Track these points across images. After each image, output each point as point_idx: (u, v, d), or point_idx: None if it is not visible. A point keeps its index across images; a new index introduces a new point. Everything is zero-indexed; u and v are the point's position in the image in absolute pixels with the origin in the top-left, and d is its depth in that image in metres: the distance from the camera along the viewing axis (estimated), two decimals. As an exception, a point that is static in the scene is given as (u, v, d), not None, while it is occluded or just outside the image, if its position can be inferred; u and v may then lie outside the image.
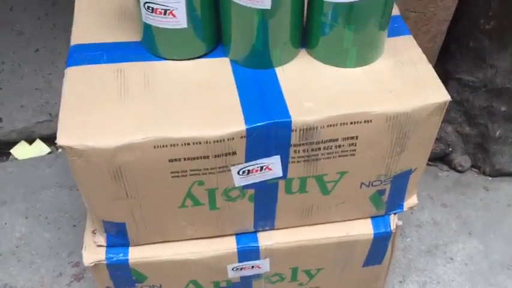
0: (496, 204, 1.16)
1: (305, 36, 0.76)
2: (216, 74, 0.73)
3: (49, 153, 1.29)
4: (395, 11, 0.81)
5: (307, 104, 0.69)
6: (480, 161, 1.19)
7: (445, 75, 1.13)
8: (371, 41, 0.72)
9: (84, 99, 0.69)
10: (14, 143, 1.29)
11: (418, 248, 1.09)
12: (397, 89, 0.71)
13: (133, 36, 0.78)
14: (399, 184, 0.79)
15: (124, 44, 0.77)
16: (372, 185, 0.78)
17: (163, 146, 0.65)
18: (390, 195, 0.81)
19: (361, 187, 0.78)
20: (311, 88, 0.71)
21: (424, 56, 0.76)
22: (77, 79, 0.71)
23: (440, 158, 1.20)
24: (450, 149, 1.19)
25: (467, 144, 1.18)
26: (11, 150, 1.28)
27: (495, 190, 1.18)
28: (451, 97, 1.14)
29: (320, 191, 0.77)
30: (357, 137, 0.70)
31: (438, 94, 0.70)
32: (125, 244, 0.79)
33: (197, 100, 0.69)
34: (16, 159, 1.27)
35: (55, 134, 0.66)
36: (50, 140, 1.30)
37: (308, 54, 0.76)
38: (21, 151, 1.28)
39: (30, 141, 1.30)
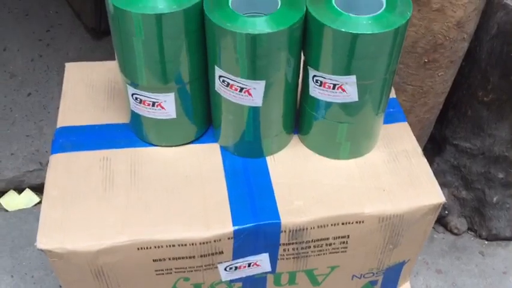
0: (492, 271, 1.13)
1: (298, 122, 0.74)
2: (205, 162, 0.71)
3: (38, 203, 1.26)
4: (391, 93, 0.79)
5: (297, 202, 0.67)
6: (476, 224, 1.16)
7: (442, 140, 1.11)
8: (366, 134, 0.70)
9: (66, 193, 0.66)
10: (2, 192, 1.26)
11: (412, 319, 1.06)
12: (391, 187, 0.68)
13: (122, 117, 0.76)
14: (392, 274, 0.77)
15: (112, 126, 0.75)
16: (364, 277, 0.76)
17: (147, 248, 0.63)
18: (382, 285, 0.78)
19: (352, 279, 0.75)
20: (302, 183, 0.69)
21: (419, 148, 0.74)
22: (61, 169, 0.69)
23: (436, 220, 1.18)
24: (446, 212, 1.17)
25: (464, 208, 1.16)
26: (0, 200, 1.26)
27: (491, 256, 1.16)
28: (448, 162, 1.14)
29: (310, 282, 0.74)
30: (348, 236, 0.68)
31: (433, 195, 0.68)
32: (109, 331, 0.76)
33: (184, 194, 0.67)
34: (4, 209, 1.24)
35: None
36: (39, 189, 1.27)
37: (300, 141, 0.74)
38: (11, 201, 1.25)
39: (20, 191, 1.27)
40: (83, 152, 0.71)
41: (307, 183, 0.69)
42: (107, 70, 0.83)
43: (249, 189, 0.68)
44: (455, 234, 1.18)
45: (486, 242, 1.18)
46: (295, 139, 0.75)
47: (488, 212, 1.13)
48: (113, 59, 0.75)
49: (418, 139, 0.78)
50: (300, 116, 0.73)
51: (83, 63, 0.85)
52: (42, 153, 1.29)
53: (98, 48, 1.48)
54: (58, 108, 1.39)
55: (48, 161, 0.70)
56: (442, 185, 1.13)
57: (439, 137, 1.11)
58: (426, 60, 0.89)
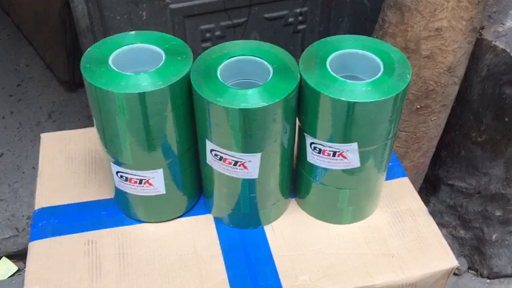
0: (497, 311, 1.10)
1: (294, 185, 0.70)
2: (199, 238, 0.66)
3: (17, 271, 1.19)
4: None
5: (302, 277, 0.62)
6: (477, 263, 1.13)
7: (436, 180, 1.09)
8: (369, 198, 0.66)
9: (50, 288, 0.60)
10: (-23, 263, 1.18)
11: None
12: (400, 252, 0.64)
13: (105, 192, 0.70)
14: None
15: (95, 203, 0.69)
16: None
17: None
18: None
19: None
20: (305, 254, 0.64)
21: (423, 206, 0.70)
22: (42, 258, 0.62)
23: (435, 260, 1.14)
24: (445, 252, 1.13)
25: (463, 247, 1.13)
26: (-25, 272, 1.17)
27: (494, 294, 1.13)
28: (444, 202, 1.11)
29: None
30: (358, 309, 0.63)
31: (444, 259, 0.64)
32: None
33: (180, 278, 0.61)
34: (-20, 282, 1.16)
35: (23, 250, 0.58)
36: (17, 256, 1.20)
37: (298, 205, 0.70)
38: (-14, 272, 1.17)
39: (-4, 260, 1.20)
40: (66, 236, 0.65)
41: (310, 254, 0.64)
42: (86, 138, 0.78)
43: (250, 266, 0.63)
44: (456, 274, 1.15)
45: (488, 281, 1.15)
46: (292, 203, 0.71)
47: (488, 250, 1.10)
48: (88, 111, 0.69)
49: (414, 183, 0.75)
50: (296, 180, 0.69)
51: (59, 133, 0.79)
52: (18, 218, 1.22)
53: (72, 101, 1.43)
54: (33, 167, 1.32)
55: (25, 226, 0.63)
56: (440, 225, 1.10)
57: (432, 177, 1.08)
58: (418, 107, 0.86)
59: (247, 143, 0.56)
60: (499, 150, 0.96)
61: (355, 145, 0.57)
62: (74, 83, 1.42)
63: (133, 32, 0.62)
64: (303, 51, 1.06)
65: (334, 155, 0.59)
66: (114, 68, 0.56)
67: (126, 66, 0.59)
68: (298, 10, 0.98)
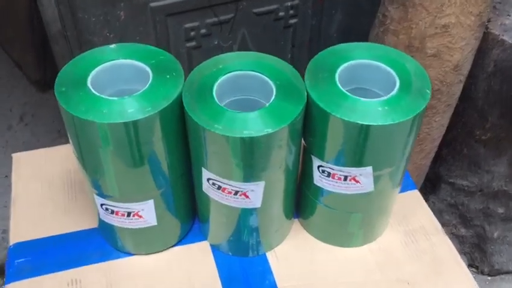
0: (500, 309, 1.07)
1: (298, 206, 0.63)
2: (195, 270, 0.60)
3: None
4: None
5: (312, 311, 0.57)
6: (477, 260, 1.10)
7: (437, 179, 1.04)
8: (381, 219, 0.61)
9: None
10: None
11: None
12: (415, 277, 0.59)
13: (88, 220, 0.63)
14: None
15: (78, 235, 0.62)
16: None
17: None
18: None
19: None
20: (313, 284, 0.59)
21: (437, 222, 0.65)
22: (21, 305, 0.56)
23: (434, 259, 1.11)
24: (445, 250, 1.10)
25: (463, 245, 1.10)
26: None
27: (496, 291, 1.10)
28: (444, 200, 1.07)
29: None
30: None
31: (464, 283, 0.59)
32: None
33: (177, 318, 0.56)
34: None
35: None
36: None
37: (302, 226, 0.64)
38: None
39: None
40: (46, 275, 0.58)
41: (319, 284, 0.59)
42: (63, 158, 0.71)
43: (254, 301, 0.58)
44: (456, 272, 1.11)
45: (489, 278, 1.12)
46: (295, 223, 0.65)
47: (489, 247, 1.07)
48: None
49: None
50: (300, 200, 0.62)
51: (33, 153, 0.71)
52: (-6, 233, 1.14)
53: (44, 102, 1.33)
54: (6, 176, 1.23)
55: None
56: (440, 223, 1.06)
57: (432, 175, 1.04)
58: (422, 108, 0.81)
59: (250, 172, 0.50)
60: (503, 147, 0.91)
61: (369, 169, 0.51)
62: (46, 82, 1.32)
63: (113, 45, 0.54)
64: (293, 46, 1.00)
65: (345, 179, 0.53)
66: (94, 92, 0.49)
67: (107, 86, 0.51)
68: (289, 3, 0.90)
